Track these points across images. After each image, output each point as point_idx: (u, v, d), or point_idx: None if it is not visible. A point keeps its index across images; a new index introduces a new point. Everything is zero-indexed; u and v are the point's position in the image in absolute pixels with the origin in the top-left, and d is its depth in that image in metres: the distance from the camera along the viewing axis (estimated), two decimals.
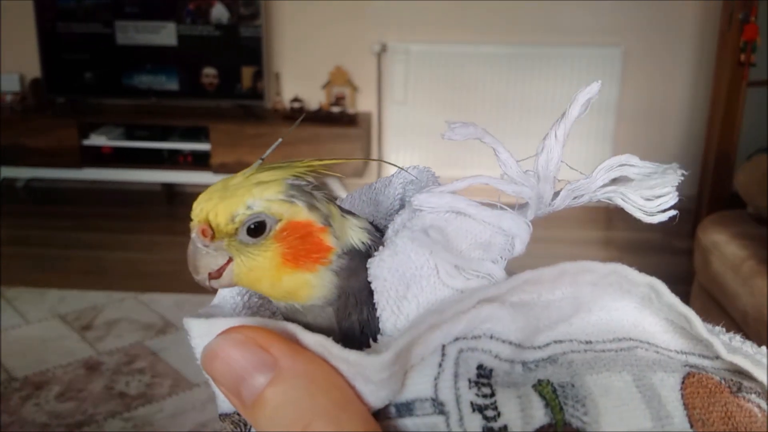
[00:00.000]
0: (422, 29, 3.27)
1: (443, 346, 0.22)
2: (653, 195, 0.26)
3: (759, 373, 0.23)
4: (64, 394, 1.86)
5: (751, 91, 2.74)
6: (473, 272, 0.23)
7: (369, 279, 0.24)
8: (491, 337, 0.22)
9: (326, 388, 0.20)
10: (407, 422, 0.21)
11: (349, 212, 0.28)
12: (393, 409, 0.21)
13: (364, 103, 3.38)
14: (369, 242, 0.26)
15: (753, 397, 0.23)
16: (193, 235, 0.27)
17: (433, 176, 0.30)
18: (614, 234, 3.09)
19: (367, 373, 0.20)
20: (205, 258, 0.27)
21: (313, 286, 0.26)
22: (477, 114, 3.31)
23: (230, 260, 0.27)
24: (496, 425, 0.20)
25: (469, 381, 0.21)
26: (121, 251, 2.84)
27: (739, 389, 0.23)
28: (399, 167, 0.30)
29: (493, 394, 0.21)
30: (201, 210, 0.27)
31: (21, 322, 2.23)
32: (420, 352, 0.21)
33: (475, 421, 0.20)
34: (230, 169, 3.10)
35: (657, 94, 3.28)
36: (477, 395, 0.20)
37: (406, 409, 0.21)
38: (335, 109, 3.22)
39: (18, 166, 3.27)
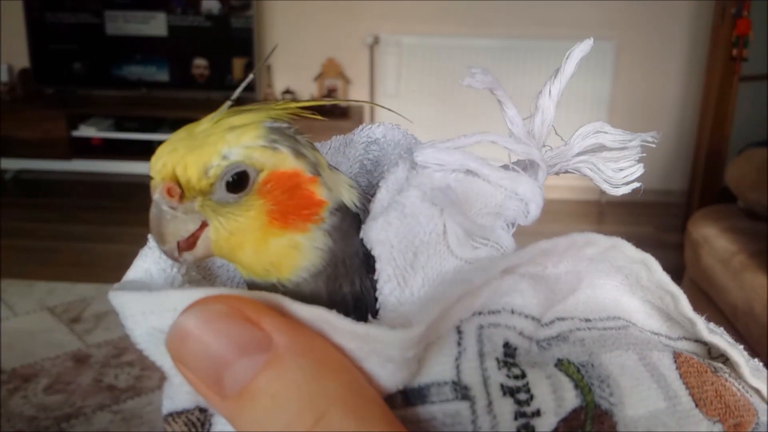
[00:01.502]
0: (415, 21, 3.25)
1: (459, 322, 0.19)
2: (619, 168, 0.24)
3: (735, 354, 0.23)
4: (52, 387, 1.84)
5: (743, 85, 2.75)
6: (482, 240, 0.21)
7: (367, 244, 0.20)
8: (512, 312, 0.19)
9: (335, 369, 0.16)
10: (419, 411, 0.18)
11: (336, 168, 0.24)
12: (399, 397, 0.18)
13: (356, 96, 3.36)
14: (359, 203, 0.23)
15: (729, 378, 0.22)
16: (156, 196, 0.22)
17: (409, 135, 0.26)
18: (606, 228, 3.10)
19: (388, 351, 0.17)
20: (172, 223, 0.22)
21: (302, 250, 0.22)
22: (468, 107, 3.30)
23: (203, 225, 0.22)
24: (528, 410, 0.18)
25: (498, 361, 0.18)
26: (111, 243, 2.82)
27: (716, 370, 0.23)
28: (397, 114, 0.26)
29: (524, 375, 0.18)
30: (164, 164, 0.22)
31: (9, 315, 2.21)
32: (436, 329, 0.18)
33: (507, 406, 0.18)
34: None
35: (649, 89, 3.29)
36: (508, 376, 0.18)
37: (418, 395, 0.18)
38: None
39: (7, 157, 3.24)
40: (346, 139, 0.27)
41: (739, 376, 0.23)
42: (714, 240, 1.71)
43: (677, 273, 2.30)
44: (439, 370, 0.18)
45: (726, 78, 2.67)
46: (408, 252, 0.20)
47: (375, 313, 0.20)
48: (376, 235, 0.20)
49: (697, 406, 0.20)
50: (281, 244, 0.22)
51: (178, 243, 0.22)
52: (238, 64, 3.19)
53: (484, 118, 3.32)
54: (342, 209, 0.22)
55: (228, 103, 0.24)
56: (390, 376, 0.17)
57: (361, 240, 0.21)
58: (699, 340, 0.24)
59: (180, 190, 0.22)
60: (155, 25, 3.17)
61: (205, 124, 0.23)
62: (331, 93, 3.29)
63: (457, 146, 0.22)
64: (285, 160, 0.22)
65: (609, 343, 0.21)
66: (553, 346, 0.20)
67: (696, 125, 2.97)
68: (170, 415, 0.21)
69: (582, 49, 0.25)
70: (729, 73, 2.66)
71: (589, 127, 0.24)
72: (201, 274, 0.24)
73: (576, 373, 0.19)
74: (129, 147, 3.19)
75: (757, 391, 0.23)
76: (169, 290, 0.18)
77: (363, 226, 0.21)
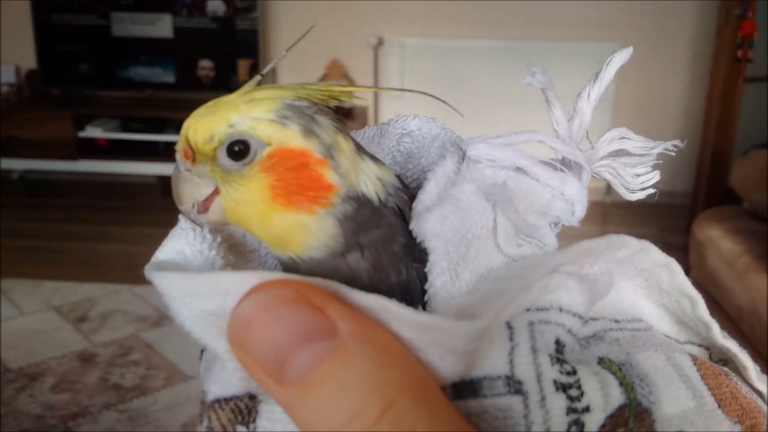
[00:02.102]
0: (419, 23, 3.26)
1: (510, 317, 0.19)
2: (636, 173, 0.25)
3: (744, 358, 0.23)
4: (58, 386, 1.85)
5: (747, 86, 2.74)
6: (528, 238, 0.21)
7: (417, 236, 0.20)
8: (560, 310, 0.19)
9: (400, 359, 0.16)
10: (471, 404, 0.18)
11: (373, 157, 0.23)
12: (449, 390, 0.18)
13: (360, 98, 3.37)
14: (385, 196, 0.22)
15: (738, 380, 0.23)
16: (177, 157, 0.23)
17: (446, 129, 0.26)
18: (609, 230, 3.09)
19: (451, 341, 0.17)
20: (188, 185, 0.23)
21: (310, 231, 0.22)
22: (472, 108, 3.30)
23: (217, 191, 0.23)
24: (579, 405, 0.18)
25: (550, 357, 0.18)
26: (116, 243, 2.83)
27: (727, 374, 0.23)
28: (438, 98, 0.25)
29: (575, 372, 0.18)
30: (185, 127, 0.23)
31: (16, 314, 2.22)
32: (486, 323, 0.18)
33: (559, 402, 0.18)
34: None
35: (654, 90, 3.28)
36: (561, 372, 0.18)
37: (470, 388, 0.18)
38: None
39: (13, 157, 3.25)
40: (381, 129, 0.27)
41: (744, 380, 0.24)
42: (719, 241, 1.71)
43: None
44: (492, 364, 0.18)
45: (731, 79, 2.67)
46: (461, 246, 0.20)
47: (423, 305, 0.20)
48: (431, 227, 0.20)
49: (720, 406, 0.21)
50: (286, 221, 0.22)
51: (196, 205, 0.23)
52: (243, 65, 3.20)
53: (487, 119, 3.33)
54: (359, 199, 0.22)
55: (258, 77, 0.24)
56: (450, 368, 0.17)
57: (402, 230, 0.21)
58: (702, 345, 0.25)
59: (192, 153, 0.23)
60: (161, 26, 3.18)
61: (234, 95, 0.23)
62: None
63: (509, 143, 0.22)
64: (292, 138, 0.22)
65: (641, 343, 0.21)
66: (592, 344, 0.21)
67: (701, 126, 2.97)
68: (217, 401, 0.20)
69: (622, 56, 0.26)
70: (734, 74, 2.66)
71: (614, 132, 0.25)
72: (235, 258, 0.24)
73: (618, 371, 0.19)
74: (135, 148, 3.20)
75: (760, 394, 0.24)
76: (220, 273, 0.18)
77: (414, 218, 0.21)
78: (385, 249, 0.21)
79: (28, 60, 3.36)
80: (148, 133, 3.17)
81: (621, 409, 0.18)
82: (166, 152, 3.22)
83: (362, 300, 0.16)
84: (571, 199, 0.22)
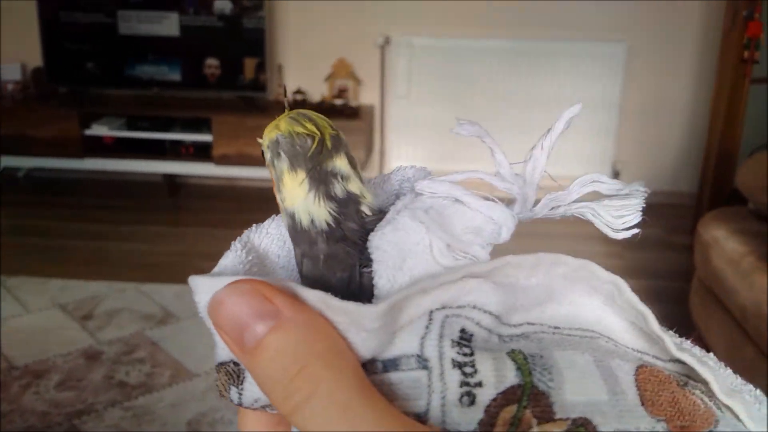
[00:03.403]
0: (426, 23, 3.26)
1: (431, 312, 0.24)
2: (619, 214, 0.28)
3: (703, 371, 0.24)
4: (64, 383, 1.86)
5: (753, 88, 2.74)
6: (462, 253, 0.26)
7: (369, 249, 0.26)
8: (474, 307, 0.24)
9: (323, 336, 0.22)
10: (392, 376, 0.23)
11: (328, 194, 0.28)
12: (380, 365, 0.23)
13: (367, 97, 3.37)
14: (327, 222, 0.27)
15: (697, 392, 0.24)
16: None
17: (428, 174, 0.32)
18: None
19: (362, 321, 0.22)
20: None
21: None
22: (479, 109, 3.30)
23: None
24: (472, 380, 0.22)
25: (452, 341, 0.23)
26: (123, 242, 2.84)
27: (686, 384, 0.25)
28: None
29: (472, 354, 0.23)
30: None
31: (22, 311, 2.23)
32: (410, 314, 0.23)
33: (455, 376, 0.22)
34: (232, 160, 3.10)
35: (660, 90, 3.28)
36: (458, 353, 0.23)
37: (393, 364, 0.23)
38: (338, 102, 3.22)
39: (19, 155, 3.27)
40: (384, 177, 0.33)
41: (712, 395, 0.24)
42: (724, 242, 1.70)
43: (686, 275, 2.30)
44: (408, 345, 0.23)
45: (737, 80, 2.66)
46: (398, 258, 0.25)
47: (370, 300, 0.25)
48: (375, 242, 0.26)
49: (643, 404, 0.23)
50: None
51: None
52: (249, 64, 3.21)
53: (494, 120, 3.33)
54: (293, 217, 0.28)
55: (286, 105, 0.29)
56: (363, 343, 0.23)
57: (357, 244, 0.27)
58: (672, 359, 0.26)
59: None
60: (168, 25, 3.19)
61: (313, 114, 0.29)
62: (341, 93, 3.30)
63: (451, 180, 0.28)
64: (267, 162, 0.29)
65: (566, 344, 0.25)
66: (513, 341, 0.24)
67: (707, 127, 2.96)
68: (218, 365, 0.26)
69: (572, 111, 0.28)
70: (740, 75, 2.65)
71: (586, 177, 0.29)
72: (262, 271, 0.29)
73: (522, 359, 0.23)
74: (141, 146, 3.21)
75: (730, 409, 0.24)
76: (222, 276, 0.24)
77: (370, 236, 0.27)
78: (313, 259, 0.28)
79: (35, 58, 3.38)
80: (155, 131, 3.18)
81: (513, 388, 0.22)
82: (172, 150, 3.23)
83: (308, 295, 0.23)
84: (499, 222, 0.27)
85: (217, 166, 3.14)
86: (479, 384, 0.22)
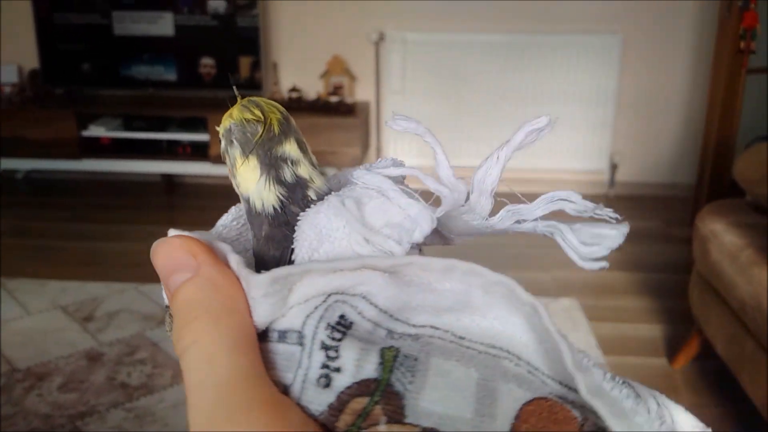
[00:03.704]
0: (420, 18, 3.26)
1: (329, 295, 0.25)
2: (591, 242, 0.27)
3: (614, 423, 0.22)
4: (66, 385, 1.87)
5: (750, 78, 2.74)
6: (378, 246, 0.26)
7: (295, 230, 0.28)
8: (363, 298, 0.25)
9: (222, 296, 0.25)
10: (279, 346, 0.25)
11: (279, 180, 0.28)
12: (275, 334, 0.25)
13: (362, 93, 3.37)
14: (274, 206, 0.28)
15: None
16: None
17: (399, 167, 0.31)
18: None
19: (249, 287, 0.24)
20: None
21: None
22: (474, 103, 3.30)
23: None
24: (332, 364, 0.23)
25: (328, 324, 0.24)
26: (121, 242, 2.84)
27: (584, 421, 0.23)
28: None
29: (340, 340, 0.24)
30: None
31: (22, 314, 2.24)
32: (305, 292, 0.25)
33: (319, 357, 0.23)
34: None
35: (656, 82, 3.28)
36: (328, 337, 0.24)
37: (282, 336, 0.25)
38: (333, 99, 3.22)
39: (17, 157, 3.26)
40: (365, 167, 0.33)
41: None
42: (722, 235, 1.71)
43: (686, 268, 2.30)
44: (296, 321, 0.25)
45: (733, 71, 2.66)
46: (315, 240, 0.26)
47: None
48: (299, 223, 0.27)
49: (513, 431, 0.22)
50: None
51: None
52: (244, 62, 3.21)
53: (488, 113, 3.33)
54: (248, 201, 0.29)
55: (236, 92, 0.30)
56: (253, 310, 0.25)
57: (277, 226, 0.28)
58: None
59: None
60: (162, 24, 3.18)
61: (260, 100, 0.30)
62: (337, 90, 3.30)
63: (386, 174, 0.28)
64: (221, 149, 0.30)
65: (457, 355, 0.24)
66: (401, 339, 0.25)
67: (703, 119, 2.97)
68: (165, 307, 0.28)
69: (535, 123, 0.28)
70: (736, 66, 2.65)
71: (555, 194, 0.28)
72: (237, 236, 0.31)
73: (390, 357, 0.23)
74: (138, 146, 3.21)
75: None
76: (175, 230, 0.27)
77: (299, 215, 0.28)
78: (258, 239, 0.29)
79: (31, 59, 3.37)
80: (151, 131, 3.18)
81: (369, 381, 0.23)
82: (168, 150, 3.22)
83: (230, 259, 0.25)
84: (415, 221, 0.27)
85: (213, 165, 3.14)
86: (338, 369, 0.23)
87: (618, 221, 0.27)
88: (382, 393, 0.22)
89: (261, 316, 0.25)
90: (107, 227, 3.01)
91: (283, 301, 0.25)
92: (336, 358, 0.23)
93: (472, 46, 3.24)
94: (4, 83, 3.37)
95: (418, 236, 0.26)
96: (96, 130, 3.18)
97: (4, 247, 2.79)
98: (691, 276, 1.91)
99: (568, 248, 0.27)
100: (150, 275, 2.54)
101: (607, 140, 3.32)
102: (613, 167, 3.34)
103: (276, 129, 0.28)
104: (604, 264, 0.27)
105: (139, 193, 3.44)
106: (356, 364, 0.23)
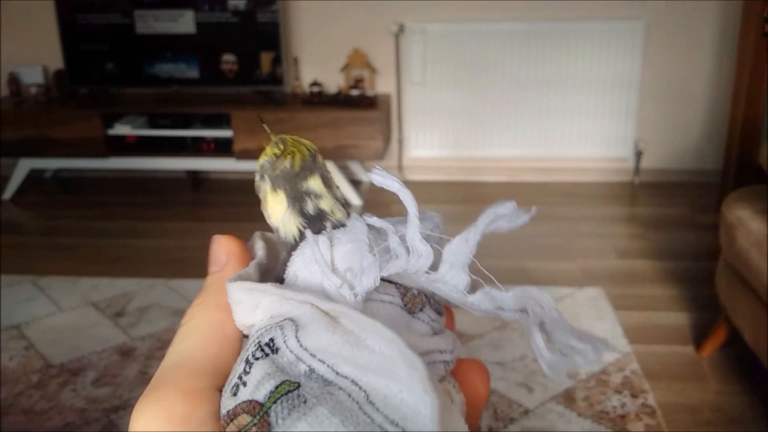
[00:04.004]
0: (439, 9, 3.25)
1: (271, 317, 0.28)
2: (560, 351, 0.27)
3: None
4: (100, 380, 1.91)
5: None
6: (330, 287, 0.28)
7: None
8: (293, 329, 0.27)
9: (224, 293, 0.29)
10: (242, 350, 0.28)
11: (302, 212, 0.31)
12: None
13: (383, 85, 3.37)
14: (294, 235, 0.32)
15: None
16: None
17: (435, 222, 0.32)
18: (639, 210, 3.07)
19: (228, 292, 0.29)
20: None
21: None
22: (496, 92, 3.29)
23: None
24: (244, 378, 0.26)
25: (259, 343, 0.27)
26: (149, 238, 2.89)
27: None
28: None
29: (258, 359, 0.26)
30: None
31: (54, 310, 2.29)
32: (266, 309, 0.28)
33: (241, 367, 0.26)
34: (252, 155, 3.13)
35: (680, 68, 3.24)
36: (252, 354, 0.26)
37: (246, 339, 0.29)
38: (354, 92, 3.23)
39: (45, 157, 3.33)
40: (424, 215, 0.33)
41: None
42: (748, 222, 1.69)
43: (712, 255, 2.28)
44: (255, 331, 0.28)
45: (759, 56, 2.62)
46: (299, 269, 0.29)
47: None
48: (292, 259, 0.30)
49: None
50: None
51: None
52: (265, 58, 3.23)
53: (510, 103, 3.31)
54: (277, 231, 0.32)
55: (266, 128, 0.35)
56: (232, 309, 0.29)
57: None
58: None
59: None
60: (183, 22, 3.22)
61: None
62: (357, 83, 3.30)
63: (369, 222, 0.31)
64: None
65: (345, 414, 0.23)
66: (316, 381, 0.25)
67: (729, 104, 2.92)
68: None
69: (501, 209, 0.28)
70: (762, 50, 2.61)
71: (531, 290, 0.27)
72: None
73: (282, 390, 0.25)
74: (163, 143, 3.25)
75: None
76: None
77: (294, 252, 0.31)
78: (281, 261, 0.32)
79: (55, 60, 3.43)
80: (176, 128, 3.22)
81: (255, 403, 0.25)
82: (193, 147, 3.26)
83: (251, 263, 0.31)
84: (363, 273, 0.28)
85: (238, 161, 3.17)
86: (245, 384, 0.25)
87: (603, 342, 0.26)
88: (260, 418, 0.24)
89: (237, 315, 0.29)
90: (135, 224, 3.06)
91: (252, 311, 0.28)
92: (248, 373, 0.26)
93: (492, 36, 3.23)
94: (30, 84, 3.43)
95: (360, 290, 0.28)
96: (121, 129, 3.23)
97: (35, 245, 2.86)
98: (718, 263, 1.90)
99: (536, 348, 0.27)
100: (179, 271, 2.59)
101: (631, 127, 3.29)
102: (638, 154, 3.31)
103: (300, 165, 0.31)
104: (565, 381, 0.27)
105: (165, 190, 3.49)
106: (256, 385, 0.25)
